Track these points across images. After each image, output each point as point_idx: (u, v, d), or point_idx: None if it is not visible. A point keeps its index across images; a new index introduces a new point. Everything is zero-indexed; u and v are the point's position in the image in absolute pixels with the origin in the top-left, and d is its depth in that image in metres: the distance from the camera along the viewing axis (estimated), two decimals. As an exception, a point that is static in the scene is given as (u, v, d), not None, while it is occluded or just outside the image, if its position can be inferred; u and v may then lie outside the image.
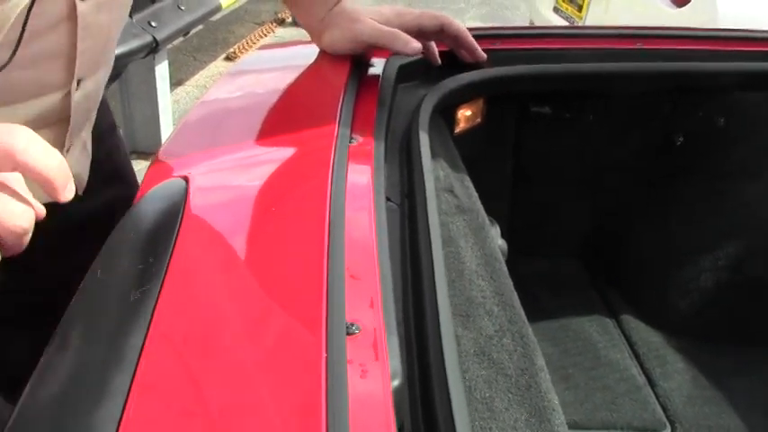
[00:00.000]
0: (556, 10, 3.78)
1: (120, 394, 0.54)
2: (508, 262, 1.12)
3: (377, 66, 1.23)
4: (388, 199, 0.85)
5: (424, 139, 0.96)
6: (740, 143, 1.47)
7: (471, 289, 0.82)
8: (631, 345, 1.40)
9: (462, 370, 0.70)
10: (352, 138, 0.92)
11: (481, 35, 1.30)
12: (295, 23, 5.41)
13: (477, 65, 1.24)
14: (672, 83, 1.37)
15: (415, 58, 1.25)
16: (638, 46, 1.36)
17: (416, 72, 1.25)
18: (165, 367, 0.58)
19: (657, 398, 1.29)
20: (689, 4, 2.88)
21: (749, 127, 1.46)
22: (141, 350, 0.57)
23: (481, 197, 1.17)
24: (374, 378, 0.56)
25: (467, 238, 0.91)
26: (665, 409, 1.28)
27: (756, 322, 1.41)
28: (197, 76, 4.77)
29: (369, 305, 0.62)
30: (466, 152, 1.35)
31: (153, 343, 0.58)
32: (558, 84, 1.35)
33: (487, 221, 1.00)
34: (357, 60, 1.20)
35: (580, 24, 3.50)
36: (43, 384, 0.58)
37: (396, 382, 0.56)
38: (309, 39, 1.24)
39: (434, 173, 0.99)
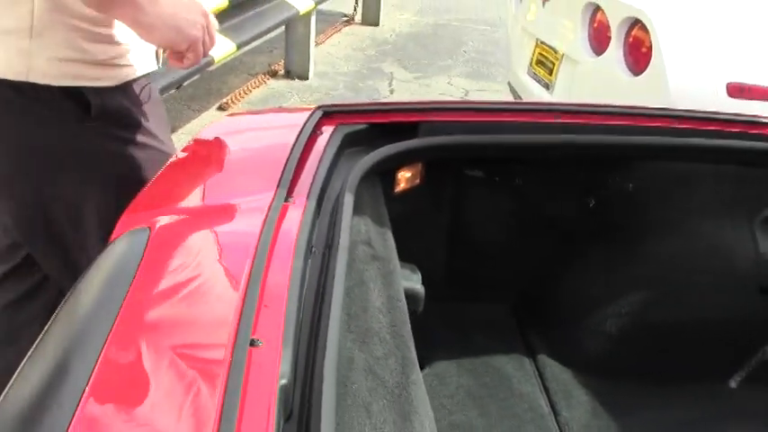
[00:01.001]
0: (530, 73, 4.06)
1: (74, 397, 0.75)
2: (447, 305, 1.36)
3: (326, 133, 1.46)
4: (312, 247, 1.09)
5: (348, 199, 1.20)
6: (647, 207, 1.71)
7: (371, 321, 1.05)
8: (543, 380, 1.62)
9: (351, 381, 0.93)
10: (288, 197, 1.15)
11: (423, 108, 1.54)
12: (287, 75, 5.70)
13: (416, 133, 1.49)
14: (583, 153, 1.61)
15: (361, 126, 1.50)
16: (557, 120, 1.61)
17: (362, 139, 1.48)
18: (115, 376, 0.81)
19: (558, 425, 1.51)
20: (644, 74, 3.14)
21: (655, 193, 1.70)
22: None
23: (421, 249, 1.41)
24: (267, 377, 0.79)
25: (376, 281, 1.14)
26: None
27: (653, 363, 1.64)
28: (190, 125, 5.04)
29: (274, 326, 0.86)
30: (408, 208, 1.60)
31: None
32: (486, 152, 1.59)
33: (398, 268, 1.23)
34: (308, 128, 1.43)
35: (551, 86, 3.77)
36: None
37: (283, 381, 0.79)
38: (286, 103, 1.49)
39: (357, 227, 1.23)
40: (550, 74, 3.83)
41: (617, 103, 1.74)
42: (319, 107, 1.50)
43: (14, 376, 0.82)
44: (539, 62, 4.02)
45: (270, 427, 0.73)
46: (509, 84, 4.42)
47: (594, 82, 3.46)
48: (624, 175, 1.70)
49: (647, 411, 1.56)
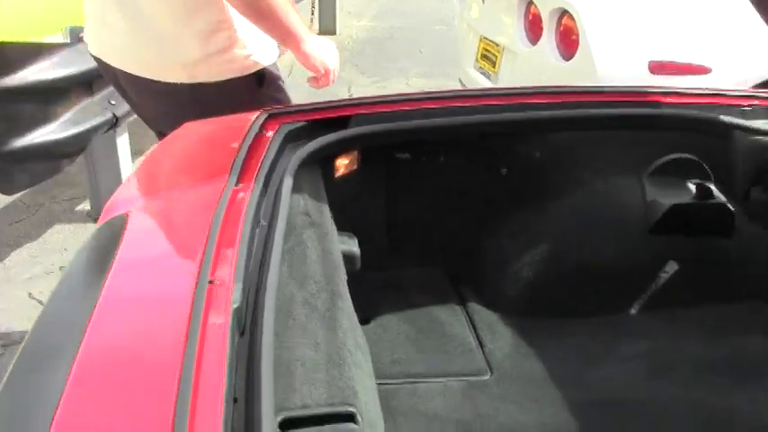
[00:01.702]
0: (476, 67, 4.38)
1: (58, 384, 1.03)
2: (388, 273, 1.68)
3: (270, 131, 1.76)
4: (260, 220, 1.39)
5: (288, 181, 1.50)
6: (552, 171, 2.03)
7: (308, 270, 1.35)
8: (472, 322, 1.92)
9: (292, 311, 1.23)
10: (238, 183, 1.46)
11: (355, 104, 1.85)
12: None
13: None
14: (494, 130, 1.92)
15: (300, 123, 1.80)
16: (466, 104, 1.92)
17: (302, 134, 1.79)
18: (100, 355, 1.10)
19: (484, 355, 1.81)
20: (574, 59, 3.47)
21: (558, 159, 2.02)
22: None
23: (363, 226, 1.72)
24: (222, 303, 1.09)
25: (312, 241, 1.44)
26: (488, 362, 1.80)
27: (563, 301, 1.95)
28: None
29: (227, 271, 1.16)
30: (349, 191, 1.91)
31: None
32: (411, 135, 1.90)
33: (332, 232, 1.54)
34: (255, 128, 1.73)
35: (495, 78, 4.09)
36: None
37: (236, 305, 1.09)
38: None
39: (296, 202, 1.53)
40: (494, 66, 4.15)
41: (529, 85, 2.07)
42: (264, 110, 1.80)
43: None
44: (483, 56, 4.34)
45: (226, 341, 1.03)
46: (459, 80, 4.74)
47: (532, 70, 3.78)
48: (531, 145, 2.02)
49: (557, 339, 1.86)
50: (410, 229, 2.06)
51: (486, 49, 4.31)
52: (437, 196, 2.04)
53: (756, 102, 2.23)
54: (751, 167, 2.10)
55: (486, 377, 1.76)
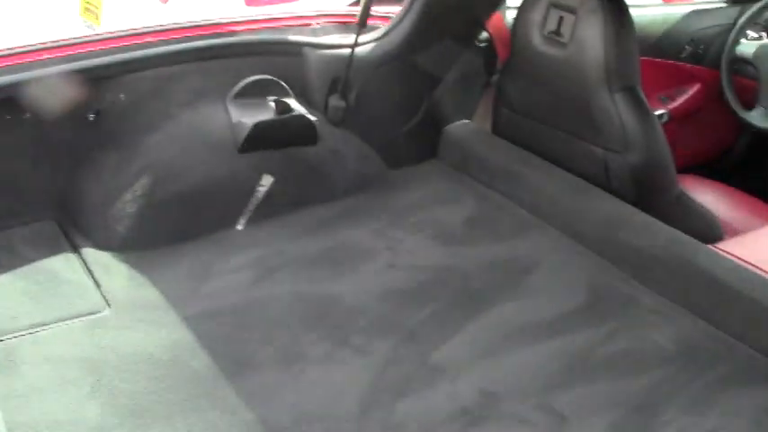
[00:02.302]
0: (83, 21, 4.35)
1: None
2: None
3: None
4: None
5: None
6: (141, 109, 2.12)
7: None
8: (87, 266, 1.97)
9: None
10: None
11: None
12: None
13: None
14: (75, 77, 1.97)
15: None
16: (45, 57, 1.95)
17: None
18: None
19: (101, 293, 1.87)
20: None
21: (143, 97, 2.11)
22: None
23: None
24: None
25: None
26: (105, 299, 1.85)
27: (170, 228, 2.07)
28: None
29: None
30: None
31: None
32: None
33: None
34: None
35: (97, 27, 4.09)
36: None
37: None
38: None
39: None
40: (97, 19, 4.15)
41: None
42: None
43: None
44: (86, 10, 4.31)
45: None
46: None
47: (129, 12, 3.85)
48: (114, 89, 2.09)
49: (170, 264, 1.98)
50: (10, 189, 2.05)
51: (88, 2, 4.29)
52: (32, 152, 2.05)
53: (326, 19, 2.47)
54: (324, 80, 2.34)
55: (105, 312, 1.84)
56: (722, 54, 3.18)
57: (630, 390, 1.68)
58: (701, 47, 3.24)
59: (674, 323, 1.88)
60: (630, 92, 2.15)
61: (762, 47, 3.04)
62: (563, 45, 2.20)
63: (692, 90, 3.33)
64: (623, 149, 2.17)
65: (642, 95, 2.18)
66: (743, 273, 1.88)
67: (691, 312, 1.91)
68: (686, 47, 3.24)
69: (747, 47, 3.10)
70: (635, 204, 2.16)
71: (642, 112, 2.16)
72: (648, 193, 2.21)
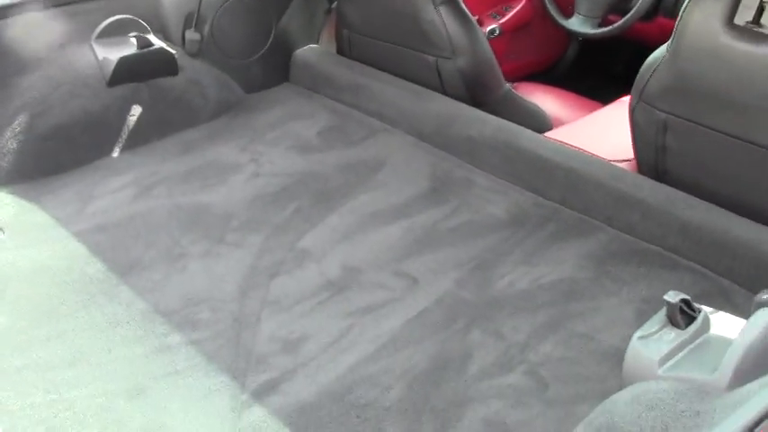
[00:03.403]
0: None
1: None
2: None
3: None
4: None
5: None
6: (14, 54, 2.32)
7: None
8: None
9: None
10: None
11: None
12: None
13: None
14: None
15: None
16: None
17: None
18: None
19: None
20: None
21: (19, 43, 2.31)
22: None
23: None
24: None
25: None
26: None
27: (56, 158, 2.29)
28: None
29: None
30: None
31: None
32: None
33: None
34: None
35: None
36: None
37: None
38: None
39: None
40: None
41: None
42: None
43: None
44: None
45: None
46: None
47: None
48: None
49: (55, 192, 2.22)
50: None
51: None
52: None
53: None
54: (179, 16, 2.58)
55: (1, 236, 2.05)
56: (543, -30, 3.56)
57: (471, 253, 2.03)
58: None
59: (507, 197, 2.24)
60: (452, 3, 2.48)
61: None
62: (391, -31, 2.51)
63: (519, 5, 3.71)
64: (451, 55, 2.50)
65: (463, 6, 2.51)
66: (560, 149, 2.26)
67: (520, 187, 2.27)
68: (512, -34, 3.60)
69: (563, -43, 3.48)
70: (467, 102, 2.51)
71: (465, 20, 2.50)
72: (477, 91, 2.56)
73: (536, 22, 3.70)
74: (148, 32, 2.50)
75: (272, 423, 1.53)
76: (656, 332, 1.31)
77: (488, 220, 2.16)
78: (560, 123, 2.88)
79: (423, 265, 2.00)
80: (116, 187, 2.27)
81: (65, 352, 1.71)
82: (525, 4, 3.69)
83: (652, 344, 1.30)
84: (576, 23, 3.47)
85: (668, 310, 1.32)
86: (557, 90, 3.27)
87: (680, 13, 1.94)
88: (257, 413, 1.56)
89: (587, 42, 3.69)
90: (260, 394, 1.60)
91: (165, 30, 2.57)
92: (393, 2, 2.55)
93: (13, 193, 2.22)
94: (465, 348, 1.72)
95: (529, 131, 2.36)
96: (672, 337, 1.29)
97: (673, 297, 1.31)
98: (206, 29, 2.62)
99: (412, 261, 2.01)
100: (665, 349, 1.30)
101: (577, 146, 2.35)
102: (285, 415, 1.55)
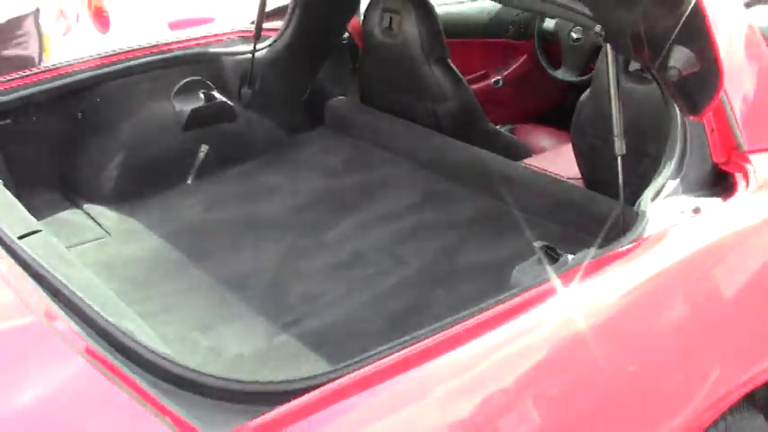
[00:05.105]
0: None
1: None
2: None
3: None
4: None
5: None
6: (114, 106, 3.22)
7: None
8: (90, 215, 3.07)
9: None
10: None
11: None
12: None
13: None
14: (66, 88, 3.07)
15: None
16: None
17: None
18: None
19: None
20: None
21: (116, 98, 3.22)
22: None
23: None
24: None
25: None
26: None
27: (140, 184, 3.16)
28: None
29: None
30: None
31: None
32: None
33: None
34: None
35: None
36: None
37: None
38: None
39: None
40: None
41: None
42: None
43: None
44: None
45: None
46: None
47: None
48: (92, 95, 3.19)
49: (146, 209, 3.10)
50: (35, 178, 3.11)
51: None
52: (59, 144, 3.14)
53: (233, 35, 3.61)
54: (236, 76, 3.48)
55: (107, 239, 2.93)
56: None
57: (445, 241, 2.85)
58: (522, 26, 4.45)
59: (474, 203, 3.05)
60: (442, 62, 3.33)
61: (558, 22, 4.25)
62: (395, 36, 3.37)
63: (520, 60, 4.54)
64: (443, 101, 3.35)
65: (451, 64, 3.37)
66: (518, 167, 3.07)
67: (486, 196, 3.06)
68: (509, 27, 4.44)
69: (549, 22, 4.31)
70: (456, 137, 3.34)
71: (452, 74, 3.36)
72: (463, 127, 3.39)
73: (536, 74, 4.51)
74: (213, 90, 3.39)
75: (296, 342, 2.36)
76: (529, 266, 2.10)
77: (459, 219, 2.98)
78: (541, 151, 3.71)
79: (409, 249, 2.82)
80: (190, 204, 3.15)
81: (156, 307, 2.55)
82: (525, 58, 4.53)
83: (526, 274, 2.08)
84: (561, 73, 4.29)
85: (538, 254, 2.10)
86: (553, 130, 4.09)
87: (596, 64, 2.77)
88: (286, 336, 2.38)
89: (582, 90, 4.50)
90: (288, 325, 2.43)
91: (225, 87, 3.47)
92: (399, 64, 3.41)
93: (114, 209, 3.09)
94: (429, 300, 2.53)
95: (498, 156, 3.17)
96: (540, 271, 2.06)
97: (539, 244, 2.10)
98: (257, 85, 3.51)
99: (402, 247, 2.84)
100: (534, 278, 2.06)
101: (543, 167, 3.15)
102: (305, 337, 2.37)
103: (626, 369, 1.85)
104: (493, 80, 4.53)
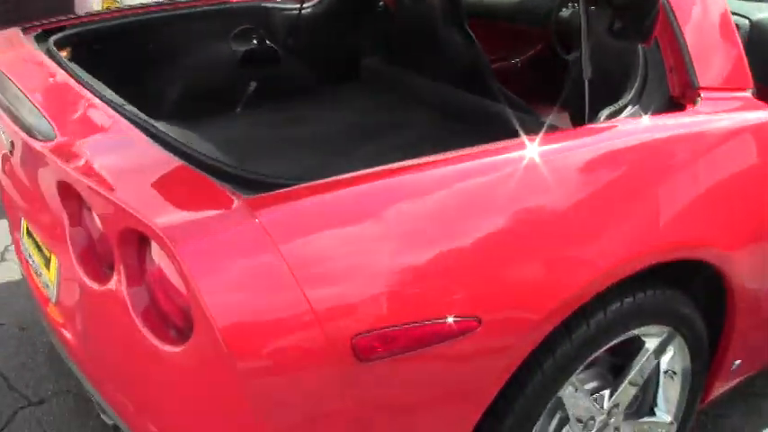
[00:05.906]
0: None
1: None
2: None
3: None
4: None
5: None
6: (179, 46, 3.84)
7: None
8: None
9: None
10: None
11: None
12: None
13: None
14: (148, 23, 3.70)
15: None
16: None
17: None
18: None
19: None
20: None
21: (180, 39, 3.85)
22: None
23: None
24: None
25: None
26: None
27: (199, 107, 3.78)
28: None
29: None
30: None
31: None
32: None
33: None
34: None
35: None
36: None
37: None
38: None
39: None
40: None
41: None
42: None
43: None
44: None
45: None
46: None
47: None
48: (164, 36, 3.83)
49: (203, 131, 3.71)
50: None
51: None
52: (133, 69, 3.76)
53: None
54: (284, 27, 4.11)
55: None
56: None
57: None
58: (541, 14, 5.01)
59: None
60: (460, 26, 3.91)
61: (572, 12, 4.80)
62: (421, 2, 3.98)
63: (538, 47, 5.10)
64: (458, 59, 3.93)
65: (467, 28, 3.94)
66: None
67: None
68: (532, 14, 5.00)
69: (565, 13, 4.87)
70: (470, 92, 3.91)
71: (467, 36, 3.93)
72: (475, 83, 3.96)
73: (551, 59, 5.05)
74: (263, 36, 4.01)
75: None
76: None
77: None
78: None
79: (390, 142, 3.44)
80: (238, 125, 3.75)
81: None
82: (542, 45, 5.08)
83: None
84: (571, 57, 4.84)
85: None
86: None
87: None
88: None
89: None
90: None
91: (274, 36, 4.09)
92: (423, 27, 4.00)
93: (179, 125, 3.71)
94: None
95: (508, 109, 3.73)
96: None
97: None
98: (300, 38, 4.13)
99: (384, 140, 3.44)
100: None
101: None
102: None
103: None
104: (513, 61, 5.08)
